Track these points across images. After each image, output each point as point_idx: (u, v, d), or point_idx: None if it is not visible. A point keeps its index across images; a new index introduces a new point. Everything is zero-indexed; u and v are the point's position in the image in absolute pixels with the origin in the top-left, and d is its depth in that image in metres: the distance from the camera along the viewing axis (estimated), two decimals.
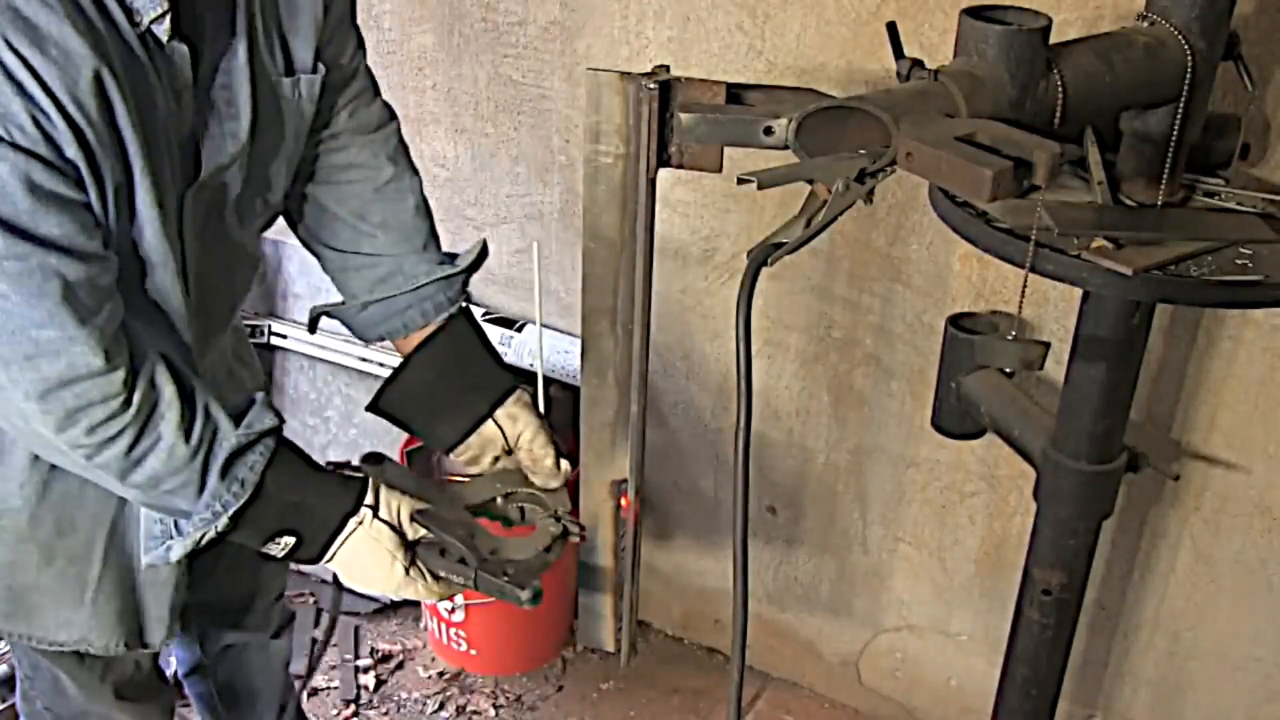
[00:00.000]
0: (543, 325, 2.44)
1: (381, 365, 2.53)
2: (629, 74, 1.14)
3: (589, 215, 1.21)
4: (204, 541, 1.22)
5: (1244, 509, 1.92)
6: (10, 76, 1.00)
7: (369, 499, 1.30)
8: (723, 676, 2.57)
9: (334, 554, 1.29)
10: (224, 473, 1.20)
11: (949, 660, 2.34)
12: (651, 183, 1.18)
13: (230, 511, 1.20)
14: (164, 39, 1.12)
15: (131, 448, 1.15)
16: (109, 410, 1.12)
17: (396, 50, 2.40)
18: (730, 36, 2.01)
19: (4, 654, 2.36)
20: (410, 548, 1.32)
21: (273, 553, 1.27)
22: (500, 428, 1.47)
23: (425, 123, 2.44)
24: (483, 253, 1.51)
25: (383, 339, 1.51)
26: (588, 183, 1.19)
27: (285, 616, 1.89)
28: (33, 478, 1.32)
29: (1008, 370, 1.70)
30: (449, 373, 1.47)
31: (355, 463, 1.49)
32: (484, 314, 2.45)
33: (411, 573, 1.31)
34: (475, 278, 2.62)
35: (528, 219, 2.42)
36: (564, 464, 1.47)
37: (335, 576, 1.35)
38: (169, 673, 1.75)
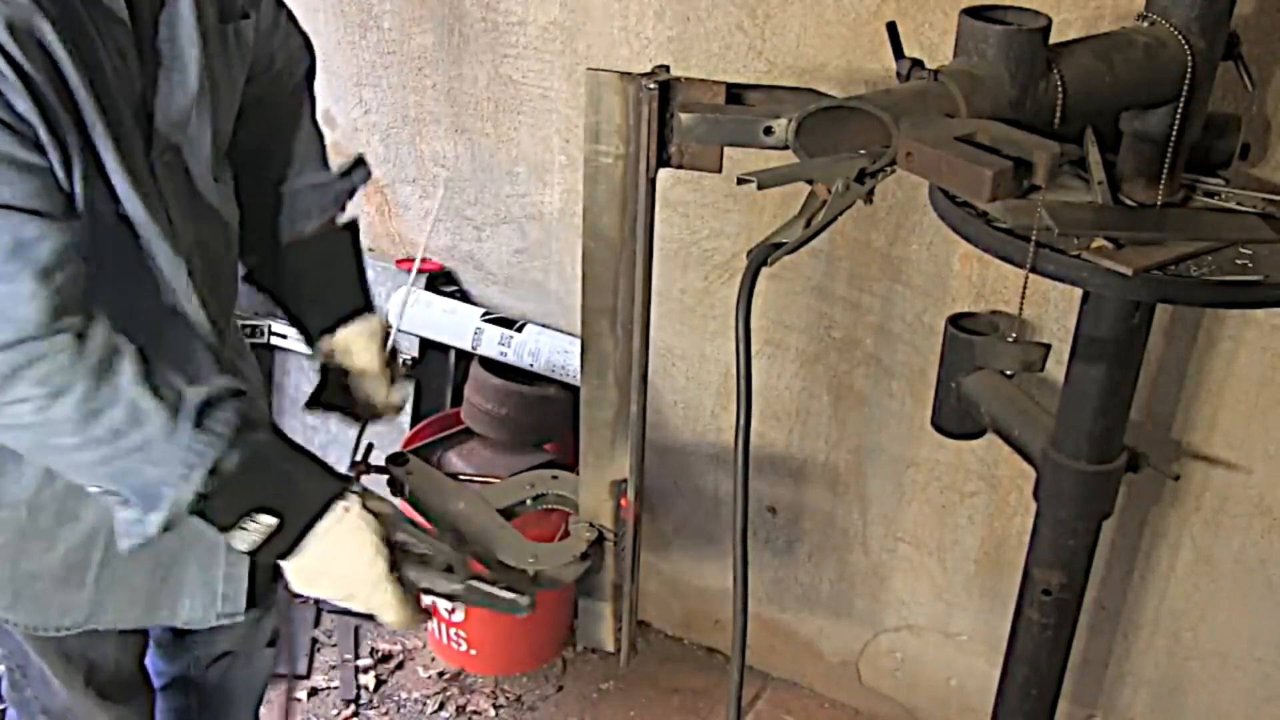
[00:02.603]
0: (540, 325, 2.44)
1: None
2: (629, 74, 1.14)
3: (589, 215, 1.21)
4: (184, 505, 1.15)
5: (1244, 509, 1.92)
6: None
7: (357, 488, 1.24)
8: (723, 676, 2.57)
9: (311, 544, 1.21)
10: (198, 423, 1.14)
11: (949, 660, 2.34)
12: (651, 183, 1.18)
13: (207, 463, 1.13)
14: None
15: (87, 398, 1.10)
16: (57, 364, 1.09)
17: (396, 50, 2.40)
18: (730, 36, 2.01)
19: None
20: (392, 551, 1.25)
21: (245, 541, 1.19)
22: (349, 345, 1.52)
23: (425, 123, 2.44)
24: (359, 166, 1.57)
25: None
26: (588, 183, 1.19)
27: (275, 627, 1.87)
28: (36, 470, 1.32)
29: (1008, 371, 1.70)
30: (316, 279, 1.52)
31: (381, 463, 1.49)
32: (483, 314, 2.45)
33: (391, 576, 1.24)
34: (473, 277, 2.64)
35: (528, 219, 2.42)
36: (396, 392, 1.53)
37: (288, 587, 1.26)
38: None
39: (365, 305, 1.55)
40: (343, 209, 1.57)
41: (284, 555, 1.21)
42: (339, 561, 1.22)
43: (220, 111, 1.32)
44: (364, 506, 1.22)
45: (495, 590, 1.27)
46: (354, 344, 1.52)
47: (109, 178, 1.15)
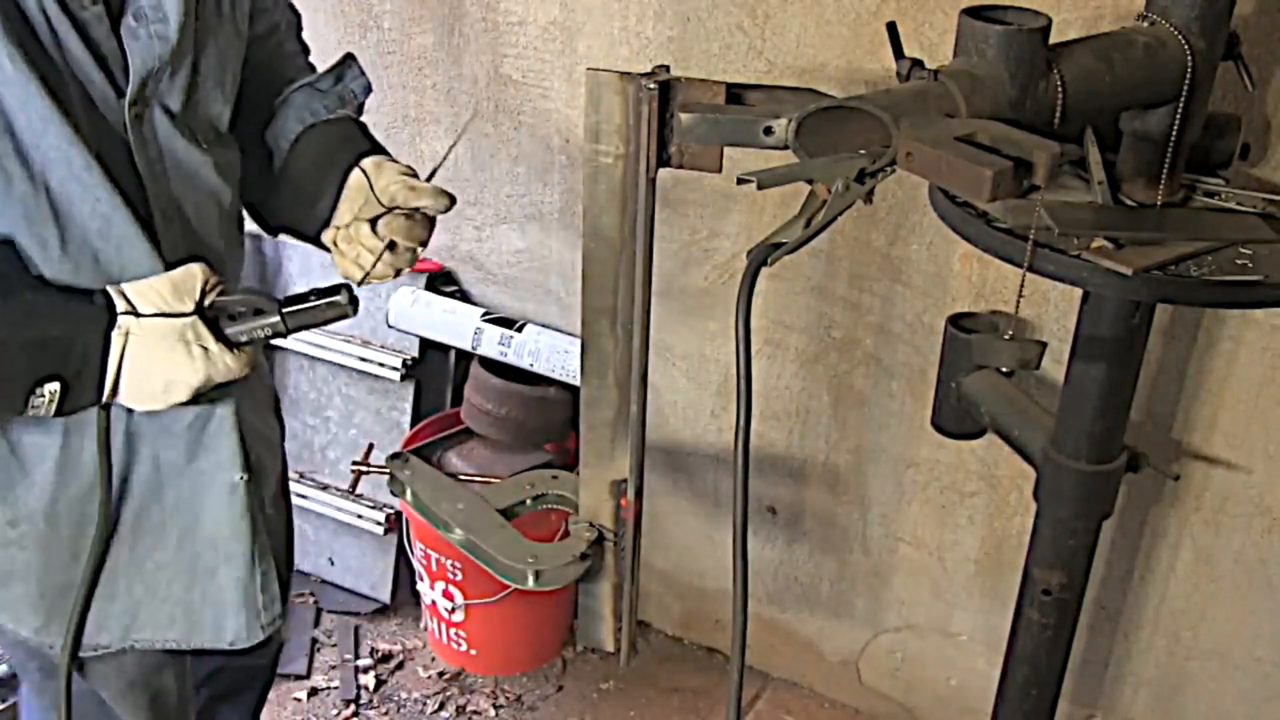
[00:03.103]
0: (540, 325, 2.45)
1: (381, 365, 2.53)
2: (629, 74, 1.14)
3: (589, 215, 1.21)
4: None
5: (1244, 509, 1.92)
6: None
7: (121, 304, 1.16)
8: (723, 676, 2.57)
9: (117, 380, 1.16)
10: None
11: (949, 660, 2.34)
12: (651, 183, 1.18)
13: None
14: None
15: None
16: None
17: (396, 50, 2.40)
18: (730, 36, 2.01)
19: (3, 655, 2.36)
20: (203, 317, 1.19)
21: (39, 410, 1.13)
22: (367, 176, 1.35)
23: (425, 123, 2.44)
24: (348, 64, 1.44)
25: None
26: (588, 183, 1.19)
27: (280, 642, 1.80)
28: (46, 479, 1.29)
29: (1006, 370, 1.70)
30: (321, 158, 1.38)
31: (381, 463, 1.48)
32: (483, 314, 2.45)
33: (213, 350, 1.19)
34: (473, 277, 2.64)
35: (528, 219, 2.42)
36: (439, 188, 1.35)
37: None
38: None
39: (377, 149, 1.41)
40: (357, 115, 1.45)
41: (97, 402, 1.17)
42: (160, 373, 1.17)
43: (206, 76, 1.26)
44: (140, 316, 1.16)
45: (311, 306, 1.22)
46: (371, 172, 1.36)
47: (9, 117, 1.10)
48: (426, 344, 2.54)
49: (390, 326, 2.51)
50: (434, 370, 2.60)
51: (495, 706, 2.49)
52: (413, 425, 2.57)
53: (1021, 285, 1.23)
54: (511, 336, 2.41)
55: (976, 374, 1.76)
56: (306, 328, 1.25)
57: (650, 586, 2.62)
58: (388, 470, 1.55)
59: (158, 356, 1.17)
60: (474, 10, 2.27)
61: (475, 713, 2.48)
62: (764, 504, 2.40)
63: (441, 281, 2.58)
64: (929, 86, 1.17)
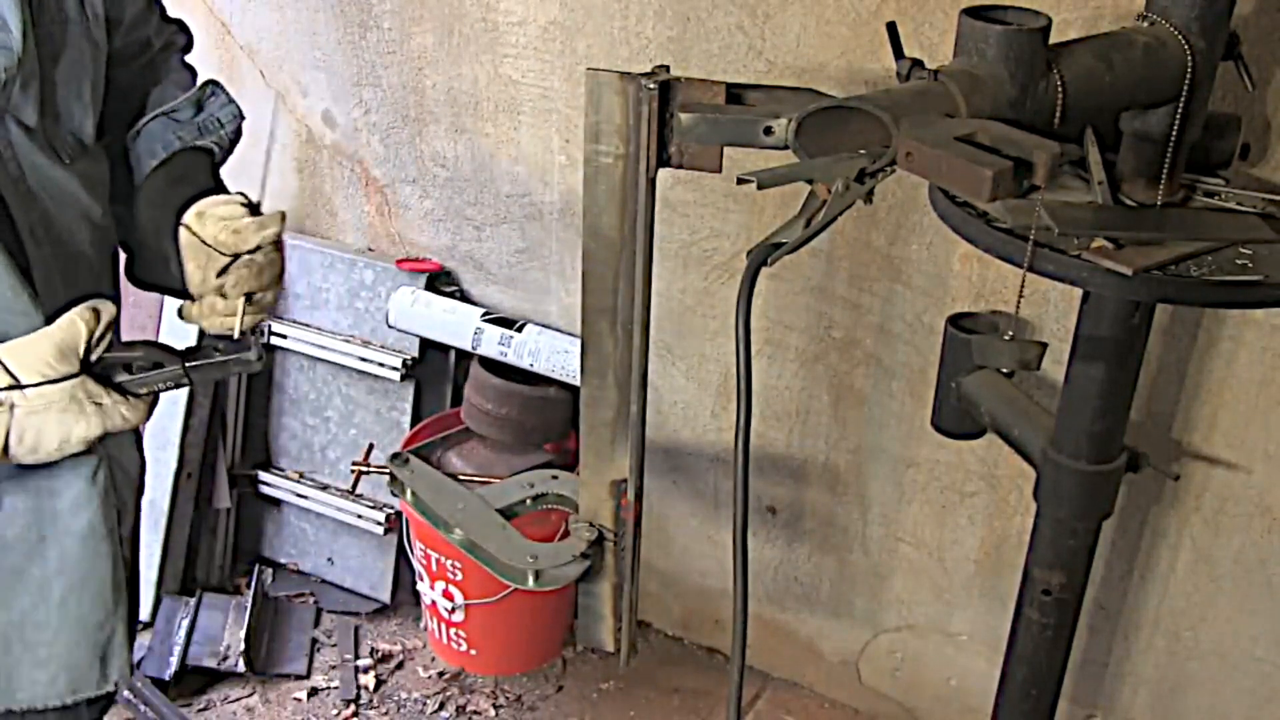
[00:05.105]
0: (540, 325, 2.45)
1: (381, 365, 2.53)
2: (629, 74, 1.14)
3: (589, 215, 1.21)
4: None
5: (1244, 509, 1.92)
6: None
7: (2, 378, 1.10)
8: (723, 676, 2.57)
9: (5, 447, 1.11)
10: None
11: (949, 660, 2.34)
12: (651, 183, 1.18)
13: None
14: None
15: None
16: None
17: (396, 50, 2.40)
18: (730, 36, 2.01)
19: None
20: (90, 377, 1.14)
21: None
22: (192, 231, 1.26)
23: (425, 123, 2.44)
24: (208, 90, 1.35)
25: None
26: (588, 183, 1.19)
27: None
28: None
29: (1006, 370, 1.70)
30: (155, 215, 1.30)
31: (381, 463, 1.48)
32: (483, 314, 2.45)
33: (107, 403, 1.14)
34: (473, 277, 2.64)
35: (528, 219, 2.42)
36: (261, 220, 1.26)
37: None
38: None
39: (214, 188, 1.31)
40: (231, 144, 1.37)
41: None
42: (53, 434, 1.14)
43: (61, 87, 1.20)
44: (22, 387, 1.11)
45: (218, 360, 1.19)
46: (195, 226, 1.26)
47: None
48: (426, 344, 2.54)
49: (390, 326, 2.51)
50: (434, 370, 2.60)
51: (495, 706, 2.49)
52: (413, 425, 2.57)
53: (1022, 285, 1.23)
54: (511, 336, 2.41)
55: (976, 374, 1.76)
56: (212, 380, 1.24)
57: (650, 586, 2.62)
58: (388, 470, 1.55)
59: (48, 421, 1.13)
60: (474, 10, 2.27)
61: (475, 713, 2.48)
62: (764, 504, 2.40)
63: (441, 281, 2.58)
64: (929, 86, 1.18)
